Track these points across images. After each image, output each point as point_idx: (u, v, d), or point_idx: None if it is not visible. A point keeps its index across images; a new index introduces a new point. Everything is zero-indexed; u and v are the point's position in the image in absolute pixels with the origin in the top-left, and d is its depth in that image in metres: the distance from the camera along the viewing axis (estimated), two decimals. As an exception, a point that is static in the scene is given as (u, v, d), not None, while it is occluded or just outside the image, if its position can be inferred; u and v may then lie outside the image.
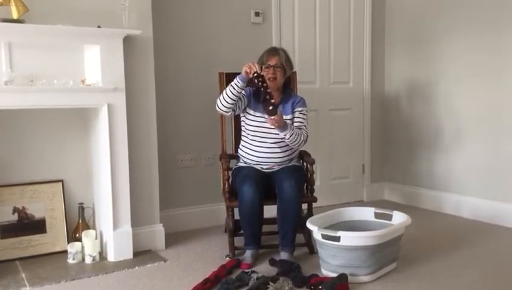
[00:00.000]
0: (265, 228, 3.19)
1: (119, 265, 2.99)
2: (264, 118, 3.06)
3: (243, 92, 3.05)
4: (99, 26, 2.93)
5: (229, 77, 3.38)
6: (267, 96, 2.92)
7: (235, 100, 3.02)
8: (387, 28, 4.68)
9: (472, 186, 4.02)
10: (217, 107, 3.09)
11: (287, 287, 2.55)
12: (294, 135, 3.03)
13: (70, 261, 3.02)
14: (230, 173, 3.22)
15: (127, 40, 3.03)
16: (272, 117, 2.91)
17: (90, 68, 3.01)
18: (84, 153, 3.28)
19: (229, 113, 3.13)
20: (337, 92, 4.49)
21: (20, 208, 3.11)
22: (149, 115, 3.25)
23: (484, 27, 3.85)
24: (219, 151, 3.49)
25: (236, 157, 3.36)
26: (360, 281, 2.69)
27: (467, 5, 3.96)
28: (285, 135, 3.03)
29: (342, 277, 2.59)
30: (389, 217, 3.07)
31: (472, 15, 3.93)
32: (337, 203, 4.28)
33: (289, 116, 3.16)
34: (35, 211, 3.14)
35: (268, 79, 3.10)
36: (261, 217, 3.05)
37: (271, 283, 2.56)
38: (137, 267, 2.97)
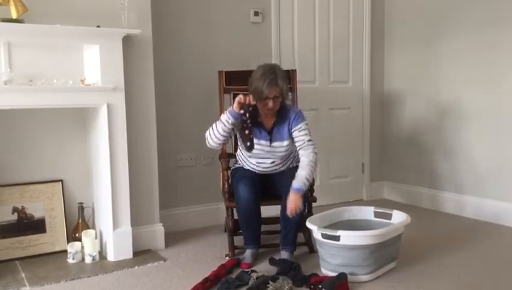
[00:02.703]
0: (265, 228, 3.19)
1: (119, 265, 2.99)
2: (260, 144, 2.96)
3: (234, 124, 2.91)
4: (98, 26, 2.93)
5: (229, 76, 3.38)
6: (247, 132, 2.92)
7: (226, 137, 2.93)
8: (386, 27, 4.67)
9: (472, 186, 4.02)
10: (207, 143, 2.97)
11: (286, 287, 2.56)
12: (310, 174, 2.88)
13: (70, 261, 3.02)
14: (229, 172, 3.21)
15: (126, 40, 3.03)
16: (290, 207, 2.80)
17: (90, 68, 3.00)
18: (83, 153, 3.28)
19: (220, 147, 3.07)
20: (336, 91, 4.49)
21: (20, 207, 3.11)
22: (148, 114, 3.25)
23: (484, 27, 3.84)
24: (218, 150, 3.48)
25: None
26: (360, 280, 2.69)
27: (467, 5, 3.96)
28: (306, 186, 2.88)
29: (342, 276, 2.59)
30: (388, 216, 3.07)
31: (472, 15, 3.92)
32: (337, 202, 4.29)
33: (286, 142, 3.00)
34: (35, 210, 3.14)
35: (268, 109, 2.94)
36: (259, 217, 3.04)
37: (271, 282, 2.57)
38: (137, 267, 2.97)
